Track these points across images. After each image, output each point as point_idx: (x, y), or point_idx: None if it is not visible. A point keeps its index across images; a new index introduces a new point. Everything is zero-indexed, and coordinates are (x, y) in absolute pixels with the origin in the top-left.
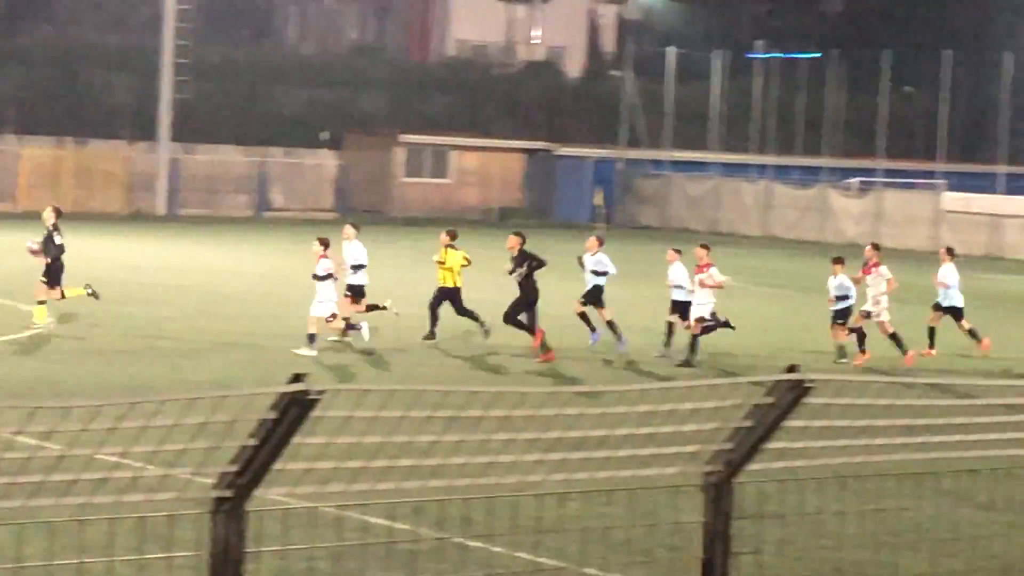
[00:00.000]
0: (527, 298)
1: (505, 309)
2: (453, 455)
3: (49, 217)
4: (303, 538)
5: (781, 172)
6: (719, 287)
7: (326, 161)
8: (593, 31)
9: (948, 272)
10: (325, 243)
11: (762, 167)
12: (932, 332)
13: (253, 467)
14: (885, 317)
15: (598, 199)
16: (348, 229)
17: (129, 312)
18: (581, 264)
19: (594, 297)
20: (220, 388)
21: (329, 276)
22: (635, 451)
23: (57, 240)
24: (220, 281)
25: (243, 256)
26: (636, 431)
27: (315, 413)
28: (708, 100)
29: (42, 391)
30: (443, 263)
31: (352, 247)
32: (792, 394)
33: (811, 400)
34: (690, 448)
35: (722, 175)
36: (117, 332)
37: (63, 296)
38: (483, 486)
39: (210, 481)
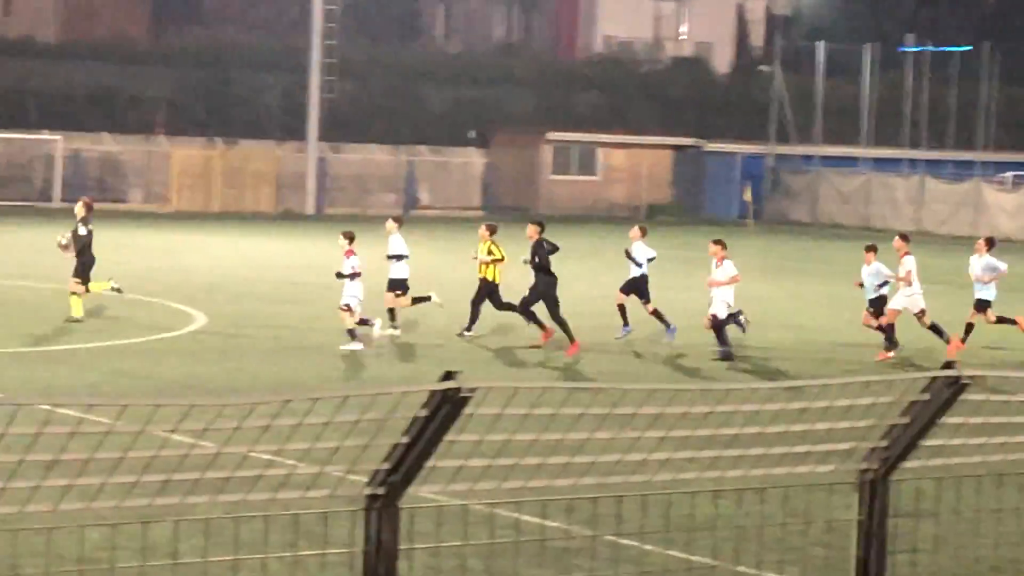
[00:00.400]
0: (540, 291)
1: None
2: (605, 452)
3: (80, 211)
4: (455, 535)
5: (933, 166)
6: (727, 283)
7: (473, 159)
8: (741, 26)
9: (997, 265)
10: (350, 237)
11: (914, 162)
12: (1010, 321)
13: (405, 465)
14: (898, 306)
15: (747, 195)
16: (389, 223)
17: (279, 311)
18: (629, 257)
19: (634, 288)
20: (370, 385)
21: (355, 275)
22: (789, 449)
23: (81, 231)
24: (367, 279)
25: None
26: (790, 428)
27: (467, 410)
28: (858, 94)
29: (196, 389)
30: (501, 259)
31: (393, 240)
32: (949, 391)
33: (968, 396)
34: (845, 445)
35: (873, 170)
36: (268, 331)
37: (88, 291)
38: (635, 484)
39: (363, 479)
